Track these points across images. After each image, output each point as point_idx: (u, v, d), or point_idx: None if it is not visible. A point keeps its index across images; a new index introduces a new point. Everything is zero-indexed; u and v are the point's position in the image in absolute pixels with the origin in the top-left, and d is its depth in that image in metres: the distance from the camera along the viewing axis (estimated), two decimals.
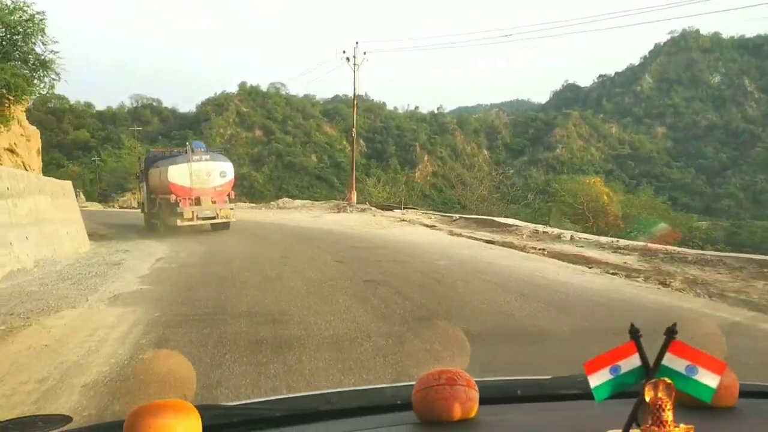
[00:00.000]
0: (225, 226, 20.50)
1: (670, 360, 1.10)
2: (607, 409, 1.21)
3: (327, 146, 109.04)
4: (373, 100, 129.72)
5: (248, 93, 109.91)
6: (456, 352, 2.50)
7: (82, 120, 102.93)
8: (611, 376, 1.12)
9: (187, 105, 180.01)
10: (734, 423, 1.34)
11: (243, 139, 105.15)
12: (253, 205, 38.92)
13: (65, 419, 1.33)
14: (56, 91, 20.29)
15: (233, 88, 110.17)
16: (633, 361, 1.12)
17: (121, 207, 29.55)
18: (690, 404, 1.23)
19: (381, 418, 1.43)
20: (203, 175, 19.91)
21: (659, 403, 1.06)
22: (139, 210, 26.71)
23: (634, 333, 1.11)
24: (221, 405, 1.54)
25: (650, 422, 1.06)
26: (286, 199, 37.68)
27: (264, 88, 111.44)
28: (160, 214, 21.05)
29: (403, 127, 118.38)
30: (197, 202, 19.70)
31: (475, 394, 1.33)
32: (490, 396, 1.48)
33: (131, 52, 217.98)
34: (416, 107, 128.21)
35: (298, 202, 35.86)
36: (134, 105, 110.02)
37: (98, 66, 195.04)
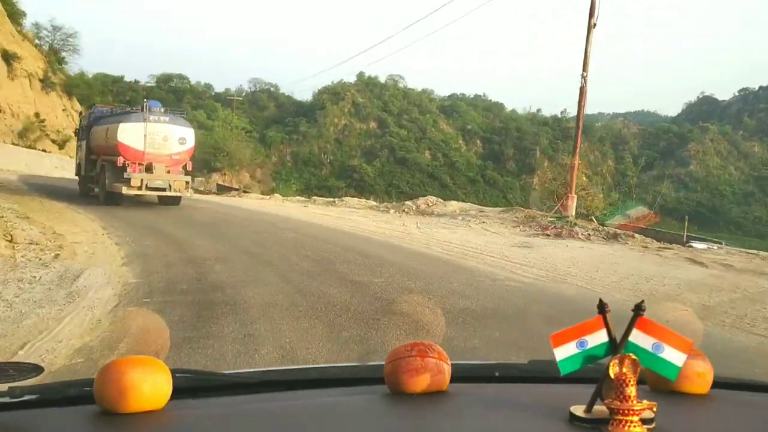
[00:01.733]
0: (175, 200, 17.50)
1: (637, 336, 1.07)
2: (577, 389, 1.21)
3: (442, 144, 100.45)
4: (490, 99, 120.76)
5: (365, 84, 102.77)
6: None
7: (200, 101, 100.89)
8: (578, 350, 1.09)
9: (304, 93, 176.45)
10: (700, 407, 1.28)
11: (356, 130, 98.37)
12: (364, 202, 26.91)
13: (37, 369, 1.26)
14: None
15: (352, 78, 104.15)
16: (600, 336, 1.08)
17: (197, 191, 22.68)
18: (664, 390, 1.26)
19: (352, 389, 1.37)
20: (159, 138, 16.85)
21: (623, 378, 1.03)
22: (75, 173, 22.11)
23: (602, 308, 1.08)
24: (194, 369, 1.42)
25: (613, 397, 1.03)
26: (431, 199, 22.88)
27: (382, 79, 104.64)
28: (101, 178, 17.61)
29: (522, 129, 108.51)
30: (149, 169, 16.55)
31: (447, 368, 1.26)
32: (465, 375, 1.44)
33: (252, 36, 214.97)
34: (538, 110, 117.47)
35: (454, 205, 21.85)
36: (252, 89, 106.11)
37: (219, 50, 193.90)
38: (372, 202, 27.57)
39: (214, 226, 13.70)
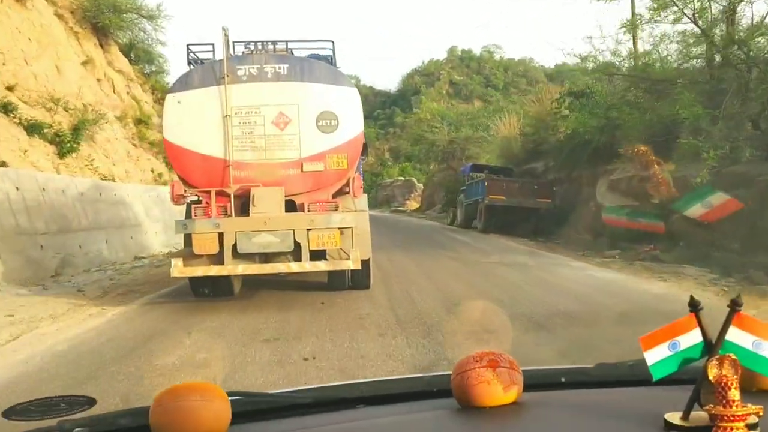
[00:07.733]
0: (359, 280, 7.07)
1: (735, 335, 0.93)
2: (660, 393, 1.09)
3: None
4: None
5: (460, 59, 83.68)
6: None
7: None
8: (670, 353, 0.96)
9: (384, 82, 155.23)
10: None
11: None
12: None
13: (90, 401, 1.15)
14: None
15: (441, 56, 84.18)
16: (693, 337, 0.95)
17: None
18: (753, 389, 1.06)
19: (418, 404, 1.21)
20: (266, 121, 6.38)
21: (724, 381, 0.89)
22: None
23: (694, 306, 0.95)
24: (250, 392, 1.31)
25: (714, 402, 0.89)
26: None
27: (477, 52, 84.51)
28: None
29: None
30: (242, 205, 6.33)
31: (520, 378, 1.12)
32: (533, 383, 1.24)
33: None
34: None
35: None
36: None
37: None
38: None
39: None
